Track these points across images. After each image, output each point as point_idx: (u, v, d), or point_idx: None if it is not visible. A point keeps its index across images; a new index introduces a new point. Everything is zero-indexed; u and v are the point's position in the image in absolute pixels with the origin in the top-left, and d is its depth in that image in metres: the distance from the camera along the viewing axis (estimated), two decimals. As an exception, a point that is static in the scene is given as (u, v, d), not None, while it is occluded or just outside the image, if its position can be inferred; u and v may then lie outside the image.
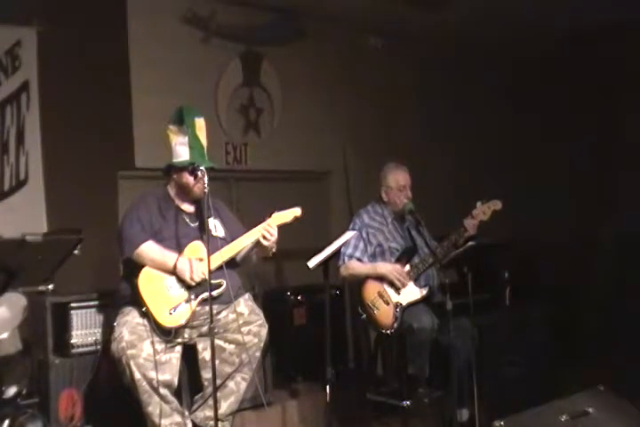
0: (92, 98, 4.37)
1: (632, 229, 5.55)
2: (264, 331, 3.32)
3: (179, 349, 3.18)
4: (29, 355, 3.38)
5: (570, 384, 3.48)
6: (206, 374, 3.18)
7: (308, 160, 5.49)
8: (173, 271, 3.14)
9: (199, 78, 4.98)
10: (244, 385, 3.29)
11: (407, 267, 3.74)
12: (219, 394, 3.10)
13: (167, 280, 3.15)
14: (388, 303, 3.68)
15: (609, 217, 5.89)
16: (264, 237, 3.24)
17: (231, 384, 3.25)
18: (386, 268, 3.72)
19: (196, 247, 3.21)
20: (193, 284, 3.13)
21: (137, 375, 2.99)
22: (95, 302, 3.57)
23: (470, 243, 3.62)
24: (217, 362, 3.07)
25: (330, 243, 3.47)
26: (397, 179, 3.89)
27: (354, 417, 3.90)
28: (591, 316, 5.62)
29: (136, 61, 4.66)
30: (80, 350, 3.49)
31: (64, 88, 4.30)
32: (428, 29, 5.76)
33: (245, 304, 3.32)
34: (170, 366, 3.10)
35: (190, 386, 3.35)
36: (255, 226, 3.28)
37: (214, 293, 3.08)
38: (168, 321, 3.07)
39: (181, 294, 3.15)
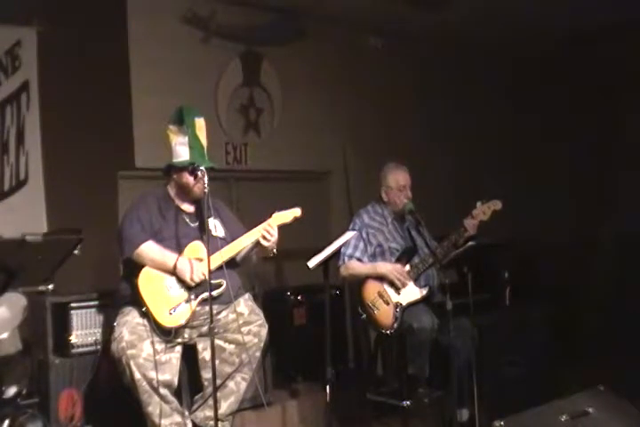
0: (92, 98, 4.37)
1: (632, 229, 5.55)
2: (264, 331, 3.32)
3: (179, 349, 3.18)
4: (29, 355, 3.38)
5: (570, 384, 3.48)
6: (206, 374, 3.18)
7: (308, 160, 5.49)
8: (173, 272, 3.14)
9: (199, 78, 4.98)
10: (243, 385, 3.29)
11: (407, 267, 3.74)
12: (219, 394, 3.10)
13: (167, 280, 3.15)
14: (388, 303, 3.68)
15: (609, 217, 5.89)
16: (264, 238, 3.24)
17: (231, 384, 3.25)
18: (386, 267, 3.72)
19: (196, 247, 3.21)
20: (193, 284, 3.13)
21: (137, 375, 2.99)
22: (95, 302, 3.57)
23: (470, 243, 3.62)
24: (217, 362, 3.07)
25: (330, 243, 3.47)
26: (397, 179, 3.89)
27: (354, 417, 3.90)
28: (591, 316, 5.62)
29: (136, 61, 4.66)
30: (80, 350, 3.49)
31: (64, 88, 4.30)
32: (428, 29, 5.76)
33: (245, 304, 3.32)
34: (170, 366, 3.10)
35: (190, 386, 3.35)
36: (255, 226, 3.28)
37: (214, 293, 3.08)
38: (168, 321, 3.07)
39: (181, 294, 3.15)
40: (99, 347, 3.51)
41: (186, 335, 3.20)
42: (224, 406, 3.21)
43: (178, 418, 3.13)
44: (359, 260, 3.81)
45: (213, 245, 3.08)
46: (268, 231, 3.24)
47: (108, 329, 3.30)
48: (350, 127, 5.67)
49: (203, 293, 3.11)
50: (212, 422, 3.08)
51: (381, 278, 3.72)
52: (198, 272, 3.12)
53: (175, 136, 3.24)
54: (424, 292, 3.73)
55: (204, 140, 3.25)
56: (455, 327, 3.34)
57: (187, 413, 3.24)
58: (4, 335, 3.15)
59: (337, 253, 3.59)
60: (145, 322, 3.08)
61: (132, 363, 2.98)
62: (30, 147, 4.22)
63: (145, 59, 4.69)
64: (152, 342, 3.04)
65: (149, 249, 3.15)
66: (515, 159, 6.35)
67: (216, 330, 3.09)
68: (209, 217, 3.14)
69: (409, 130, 5.92)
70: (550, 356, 4.62)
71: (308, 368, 4.32)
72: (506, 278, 4.97)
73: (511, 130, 6.37)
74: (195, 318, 3.16)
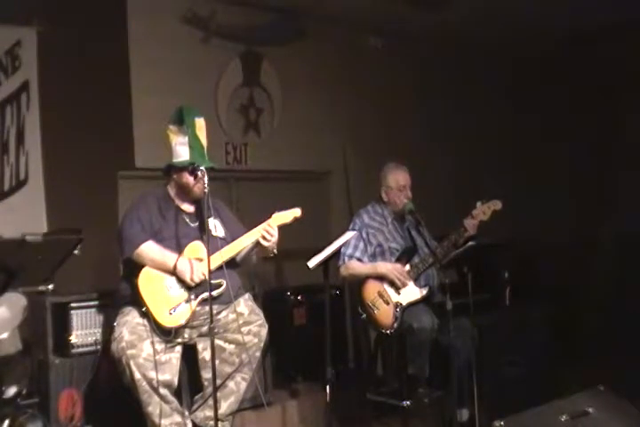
0: (92, 98, 4.37)
1: (632, 229, 5.55)
2: (264, 331, 3.32)
3: (179, 349, 3.18)
4: (29, 355, 3.38)
5: (570, 384, 3.48)
6: (206, 374, 3.18)
7: (308, 160, 5.49)
8: (173, 272, 3.14)
9: (199, 78, 4.98)
10: (243, 385, 3.29)
11: (407, 267, 3.74)
12: (219, 394, 3.10)
13: (167, 280, 3.15)
14: (388, 303, 3.68)
15: (609, 217, 5.89)
16: (264, 238, 3.24)
17: (231, 384, 3.25)
18: (386, 267, 3.72)
19: (196, 247, 3.21)
20: (193, 284, 3.13)
21: (137, 375, 2.98)
22: (95, 302, 3.57)
23: (470, 243, 3.62)
24: (217, 362, 3.07)
25: (330, 243, 3.47)
26: (397, 179, 3.89)
27: (354, 417, 3.90)
28: (591, 316, 5.62)
29: (136, 61, 4.66)
30: (80, 350, 3.49)
31: (64, 88, 4.30)
32: (428, 29, 5.76)
33: (245, 304, 3.32)
34: (170, 366, 3.10)
35: (190, 386, 3.35)
36: (255, 226, 3.28)
37: (214, 293, 3.08)
38: (168, 321, 3.07)
39: (181, 294, 3.15)
40: (99, 347, 3.51)
41: (186, 335, 3.20)
42: (224, 406, 3.21)
43: (178, 418, 3.13)
44: (359, 260, 3.81)
45: (213, 245, 3.08)
46: (268, 231, 3.24)
47: (108, 329, 3.30)
48: (350, 127, 5.67)
49: (203, 293, 3.11)
50: (211, 423, 3.08)
51: (381, 278, 3.72)
52: (198, 272, 3.12)
53: (175, 136, 3.24)
54: (424, 292, 3.73)
55: (204, 141, 3.25)
56: (455, 327, 3.34)
57: (187, 413, 3.24)
58: (4, 335, 3.15)
59: (337, 253, 3.59)
60: (145, 322, 3.08)
61: (132, 363, 2.98)
62: (30, 147, 4.22)
63: (145, 59, 4.68)
64: (152, 342, 3.04)
65: (149, 249, 3.15)
66: (515, 159, 6.35)
67: (216, 330, 3.09)
68: (209, 217, 3.14)
69: (409, 130, 5.92)
70: (550, 356, 4.62)
71: (308, 368, 4.32)
72: (506, 278, 4.97)
73: (511, 130, 6.37)
74: (195, 318, 3.16)
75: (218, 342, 3.16)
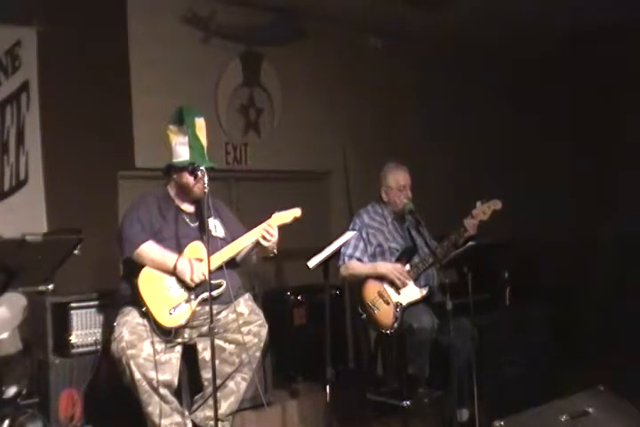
0: (92, 98, 4.37)
1: (632, 229, 5.55)
2: (264, 331, 3.32)
3: (179, 349, 3.18)
4: (29, 355, 3.38)
5: (570, 384, 3.48)
6: (206, 374, 3.18)
7: (308, 160, 5.49)
8: (173, 272, 3.14)
9: (199, 78, 4.98)
10: (243, 385, 3.29)
11: (407, 267, 3.74)
12: (219, 394, 3.10)
13: (167, 280, 3.15)
14: (388, 303, 3.68)
15: (609, 217, 5.89)
16: (264, 238, 3.24)
17: (231, 384, 3.25)
18: (386, 267, 3.72)
19: (196, 247, 3.21)
20: (193, 285, 3.13)
21: (137, 375, 2.98)
22: (95, 302, 3.57)
23: (470, 243, 3.61)
24: (217, 362, 3.07)
25: (330, 243, 3.47)
26: (397, 179, 3.89)
27: (354, 417, 3.89)
28: (591, 316, 5.62)
29: (136, 61, 4.66)
30: (80, 350, 3.49)
31: (64, 88, 4.30)
32: (428, 29, 5.76)
33: (245, 304, 3.32)
34: (170, 366, 3.10)
35: (190, 386, 3.35)
36: (255, 226, 3.28)
37: (214, 293, 3.08)
38: (168, 321, 3.07)
39: (181, 294, 3.15)
40: (99, 347, 3.51)
41: (186, 335, 3.20)
42: (224, 406, 3.21)
43: (178, 418, 3.13)
44: (359, 260, 3.81)
45: (213, 245, 3.08)
46: (268, 231, 3.24)
47: (108, 329, 3.30)
48: (350, 127, 5.67)
49: (203, 293, 3.11)
50: (211, 423, 3.08)
51: (381, 278, 3.72)
52: (198, 273, 3.12)
53: (175, 136, 3.24)
54: (424, 292, 3.73)
55: (204, 141, 3.25)
56: (455, 327, 3.34)
57: (187, 413, 3.24)
58: (4, 335, 3.15)
59: (337, 253, 3.59)
60: (145, 322, 3.08)
61: (131, 363, 2.98)
62: (30, 147, 4.22)
63: (145, 59, 4.69)
64: (152, 342, 3.04)
65: (149, 249, 3.15)
66: (515, 159, 6.35)
67: (216, 330, 3.09)
68: (209, 217, 3.14)
69: (409, 130, 5.92)
70: (550, 356, 4.62)
71: (308, 368, 4.32)
72: (506, 278, 4.97)
73: (511, 130, 6.37)
74: (195, 318, 3.16)
75: (218, 342, 3.16)
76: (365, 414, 3.91)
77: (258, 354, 3.32)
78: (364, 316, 3.69)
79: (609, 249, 5.94)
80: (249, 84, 5.34)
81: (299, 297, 4.56)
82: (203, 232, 3.21)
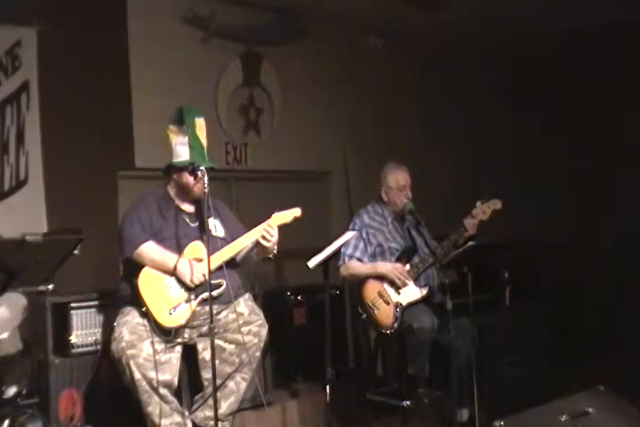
0: (92, 98, 4.37)
1: (632, 229, 5.55)
2: (264, 331, 3.32)
3: (179, 349, 3.18)
4: (29, 355, 3.38)
5: (570, 384, 3.48)
6: (206, 374, 3.18)
7: (308, 160, 5.49)
8: (173, 273, 3.14)
9: (199, 78, 4.98)
10: (243, 385, 3.29)
11: (407, 266, 3.74)
12: (219, 394, 3.10)
13: (167, 280, 3.15)
14: (388, 303, 3.68)
15: (609, 217, 5.89)
16: (264, 238, 3.24)
17: (231, 384, 3.25)
18: (386, 267, 3.72)
19: (196, 247, 3.21)
20: (193, 286, 3.13)
21: (137, 375, 2.98)
22: (95, 302, 3.57)
23: (470, 243, 3.61)
24: (217, 362, 3.07)
25: (330, 243, 3.47)
26: (397, 179, 3.89)
27: (354, 417, 3.90)
28: (591, 316, 5.62)
29: (136, 61, 4.66)
30: (80, 350, 3.49)
31: (64, 88, 4.30)
32: (428, 29, 5.76)
33: (245, 304, 3.32)
34: (170, 366, 3.10)
35: (190, 386, 3.35)
36: (255, 226, 3.28)
37: (214, 293, 3.08)
38: (168, 321, 3.07)
39: (181, 294, 3.15)
40: (99, 347, 3.51)
41: (186, 335, 3.20)
42: (224, 406, 3.21)
43: (178, 418, 3.13)
44: (359, 260, 3.81)
45: (213, 245, 3.08)
46: (267, 231, 3.24)
47: (108, 329, 3.30)
48: (350, 127, 5.67)
49: (203, 293, 3.11)
50: (211, 423, 3.08)
51: (381, 278, 3.72)
52: (198, 274, 3.11)
53: (175, 136, 3.24)
54: (424, 292, 3.73)
55: (204, 141, 3.25)
56: (455, 327, 3.34)
57: (187, 413, 3.24)
58: (4, 335, 3.15)
59: (337, 253, 3.59)
60: (145, 322, 3.08)
61: (131, 363, 2.98)
62: (30, 147, 4.22)
63: (145, 59, 4.69)
64: (152, 342, 3.04)
65: (149, 249, 3.15)
66: (515, 159, 6.35)
67: (216, 330, 3.09)
68: (209, 217, 3.14)
69: (409, 130, 5.92)
70: (550, 356, 4.62)
71: (308, 368, 4.32)
72: (506, 278, 4.97)
73: (511, 130, 6.37)
74: (195, 318, 3.16)
75: (218, 342, 3.16)
76: (365, 414, 3.91)
77: (258, 354, 3.32)
78: (364, 316, 3.69)
79: (609, 249, 5.94)
80: (249, 84, 5.34)
81: (299, 297, 4.56)
82: (203, 232, 3.21)
